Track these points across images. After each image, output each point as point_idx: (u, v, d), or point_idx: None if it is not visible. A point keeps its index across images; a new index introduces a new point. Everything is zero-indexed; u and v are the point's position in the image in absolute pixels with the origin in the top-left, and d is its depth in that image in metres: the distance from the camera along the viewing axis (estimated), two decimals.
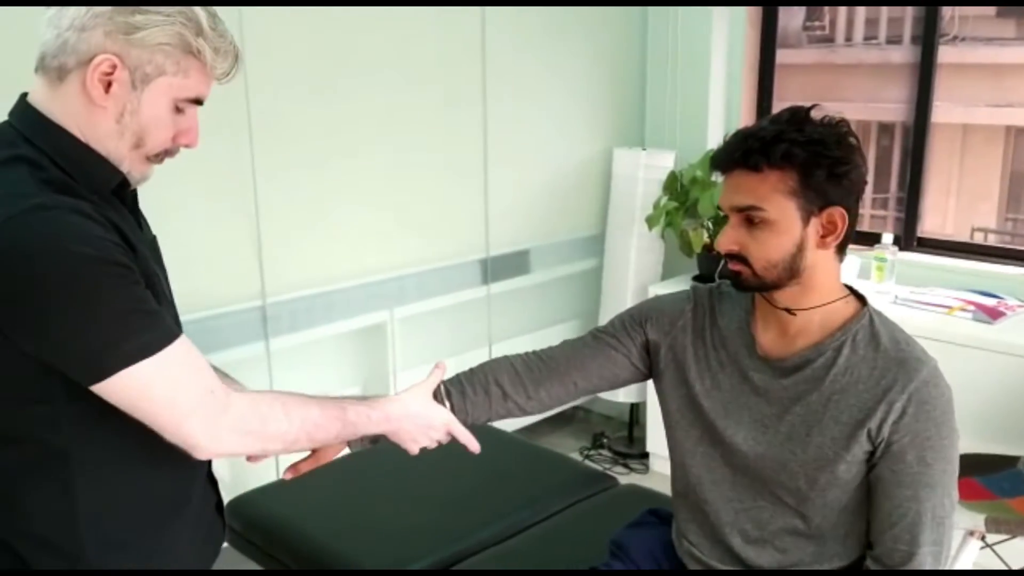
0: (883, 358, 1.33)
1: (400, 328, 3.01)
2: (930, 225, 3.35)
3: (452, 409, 1.50)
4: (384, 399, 1.39)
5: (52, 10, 1.14)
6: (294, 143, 2.66)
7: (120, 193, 1.21)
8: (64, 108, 1.15)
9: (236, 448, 1.19)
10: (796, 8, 3.81)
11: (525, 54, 3.27)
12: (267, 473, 2.41)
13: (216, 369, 1.50)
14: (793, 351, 1.38)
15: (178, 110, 1.19)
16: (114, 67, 1.12)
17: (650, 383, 1.59)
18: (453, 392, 1.52)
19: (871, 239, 3.10)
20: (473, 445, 1.48)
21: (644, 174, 3.45)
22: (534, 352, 1.58)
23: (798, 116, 1.32)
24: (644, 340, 1.53)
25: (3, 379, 1.13)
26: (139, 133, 1.17)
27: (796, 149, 1.27)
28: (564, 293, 3.65)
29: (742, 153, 1.30)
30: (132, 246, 1.14)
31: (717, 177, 1.44)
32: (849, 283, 1.43)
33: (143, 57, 1.13)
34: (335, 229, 2.82)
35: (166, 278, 1.33)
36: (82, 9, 1.12)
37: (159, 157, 1.23)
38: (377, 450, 2.50)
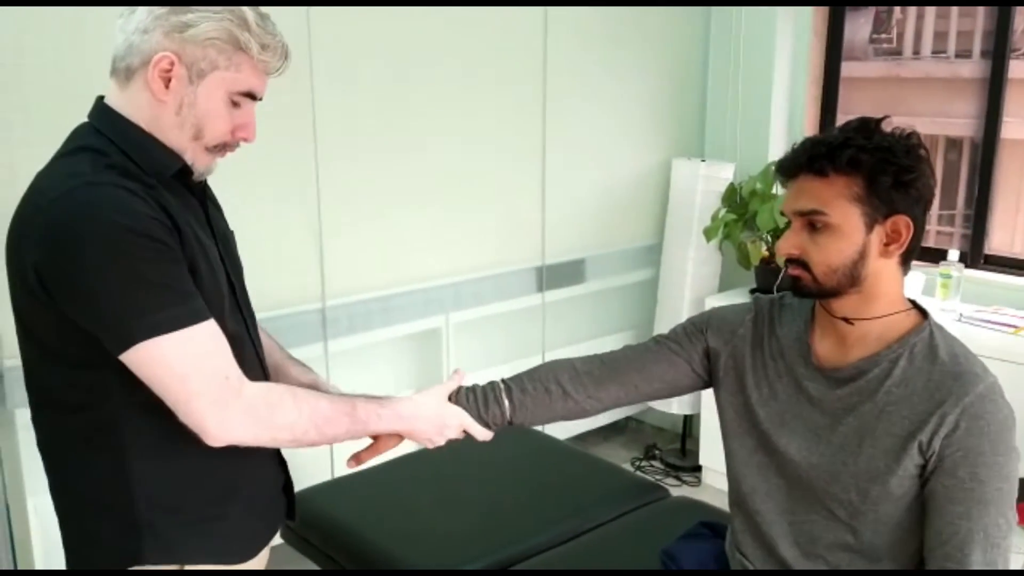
0: (939, 371, 1.31)
1: (455, 333, 3.03)
2: (998, 243, 3.26)
3: (511, 406, 1.51)
4: (397, 399, 1.41)
5: (122, 17, 1.23)
6: (357, 150, 2.72)
7: (184, 180, 1.28)
8: (132, 104, 1.24)
9: (245, 435, 1.21)
10: (863, 20, 3.75)
11: (586, 63, 3.28)
12: (322, 472, 2.45)
13: (292, 358, 1.56)
14: (849, 361, 1.37)
15: (234, 104, 1.26)
16: (172, 64, 1.20)
17: (707, 393, 1.58)
18: (513, 388, 1.53)
19: (937, 255, 3.04)
20: (485, 436, 1.50)
21: (703, 185, 3.43)
22: (595, 355, 1.58)
23: (867, 125, 1.31)
24: (705, 347, 1.53)
25: (55, 345, 1.21)
26: (198, 125, 1.24)
27: (863, 155, 1.27)
28: (619, 303, 3.64)
29: (808, 157, 1.30)
30: (179, 228, 1.20)
31: (778, 189, 1.43)
32: (912, 297, 1.41)
33: (197, 53, 1.21)
34: (394, 235, 2.86)
35: (234, 271, 1.38)
36: (144, 12, 1.20)
37: (219, 149, 1.29)
38: (429, 453, 2.53)
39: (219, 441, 1.18)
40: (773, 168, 1.42)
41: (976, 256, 3.21)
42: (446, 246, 3.01)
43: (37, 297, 1.17)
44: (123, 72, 1.23)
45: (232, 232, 1.47)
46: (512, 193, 3.18)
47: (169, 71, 1.21)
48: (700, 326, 1.55)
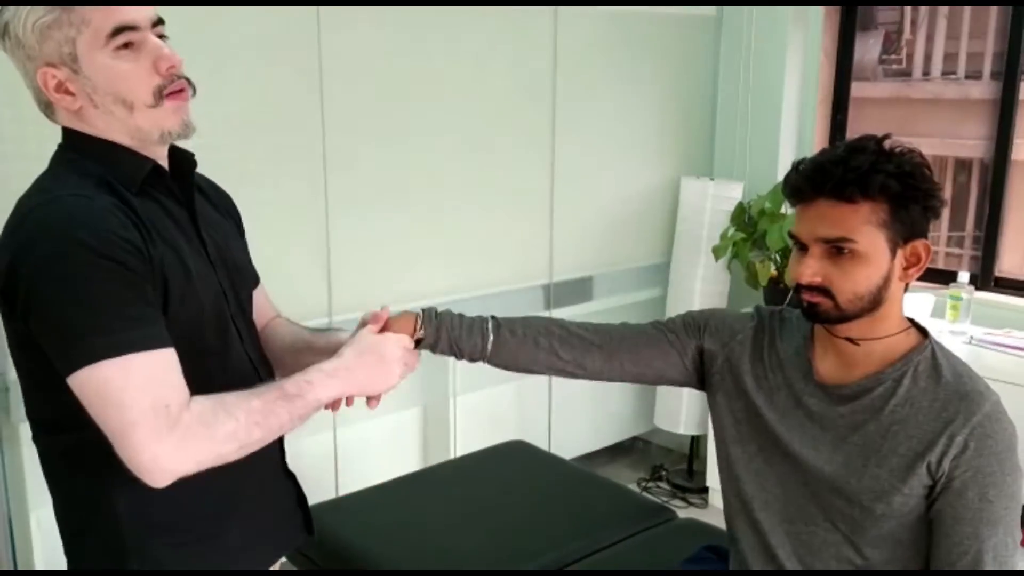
0: (944, 391, 1.30)
1: None
2: (1008, 265, 3.24)
3: (495, 341, 1.47)
4: (318, 364, 1.29)
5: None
6: (365, 166, 2.72)
7: (162, 184, 1.23)
8: (74, 123, 1.20)
9: (184, 465, 1.11)
10: (872, 41, 3.75)
11: (595, 81, 3.28)
12: (326, 491, 2.44)
13: (316, 331, 1.49)
14: (852, 379, 1.36)
15: (125, 48, 1.16)
16: (54, 75, 1.15)
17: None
18: (502, 327, 1.50)
19: (946, 277, 3.02)
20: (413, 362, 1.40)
21: (712, 204, 3.43)
22: (592, 323, 1.56)
23: (880, 145, 1.29)
24: (699, 345, 1.52)
25: (30, 365, 1.18)
26: (116, 96, 1.16)
27: (891, 181, 1.25)
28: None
29: (835, 183, 1.26)
30: (151, 246, 1.14)
31: (787, 208, 1.41)
32: (911, 316, 1.40)
33: (49, 45, 1.14)
34: (401, 251, 2.86)
35: (232, 282, 1.32)
36: (11, 58, 1.17)
37: (163, 98, 1.18)
38: (434, 473, 2.51)
39: (157, 479, 1.09)
40: (782, 189, 1.39)
41: (986, 278, 3.19)
42: (454, 263, 3.00)
43: (5, 316, 1.15)
44: (47, 109, 1.21)
45: (242, 242, 1.43)
46: (520, 210, 3.18)
47: (59, 81, 1.15)
48: (699, 323, 1.53)
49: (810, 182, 1.30)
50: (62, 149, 1.23)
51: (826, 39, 3.46)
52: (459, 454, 2.83)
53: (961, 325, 2.92)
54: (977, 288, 3.06)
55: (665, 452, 3.83)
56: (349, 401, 1.35)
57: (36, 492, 2.16)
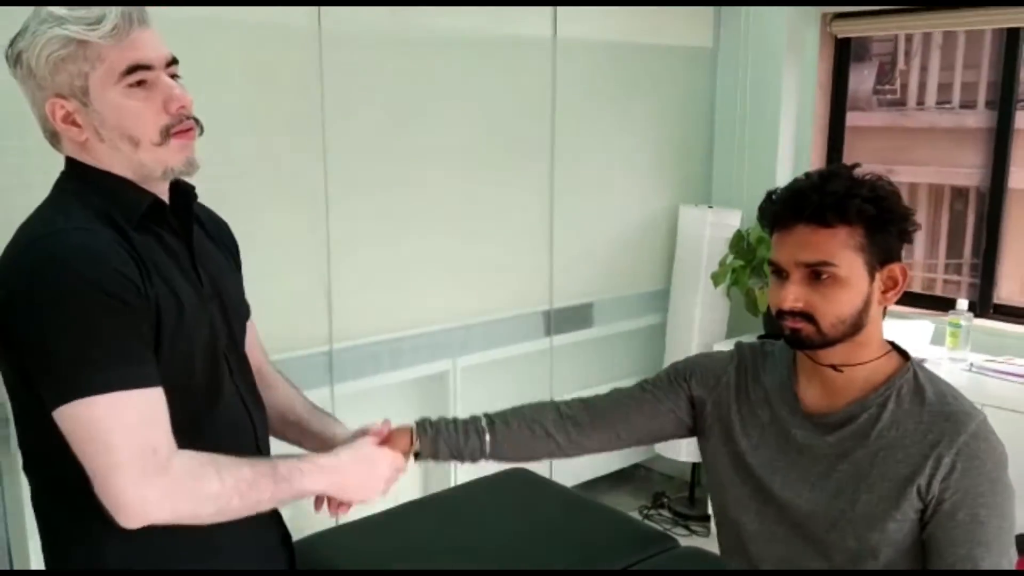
0: (929, 412, 1.31)
1: (463, 378, 3.02)
2: (1007, 292, 3.25)
3: (492, 440, 1.49)
4: (316, 455, 1.32)
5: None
6: (366, 193, 2.73)
7: (161, 218, 1.23)
8: (78, 154, 1.21)
9: (162, 514, 1.10)
10: (866, 72, 3.80)
11: (594, 109, 3.31)
12: (323, 519, 2.42)
13: (317, 409, 1.53)
14: (837, 407, 1.36)
15: (137, 85, 1.16)
16: (63, 106, 1.16)
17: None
18: (496, 423, 1.51)
19: (945, 304, 3.03)
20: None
21: (710, 232, 3.44)
22: (580, 399, 1.57)
23: (850, 173, 1.32)
24: (689, 395, 1.52)
25: (23, 397, 1.17)
26: (123, 133, 1.17)
27: (867, 205, 1.27)
28: (627, 348, 3.63)
29: (814, 209, 1.28)
30: (148, 283, 1.14)
31: (763, 229, 1.41)
32: (892, 340, 1.41)
33: (60, 79, 1.14)
34: (402, 278, 2.86)
35: (227, 317, 1.32)
36: (18, 85, 1.18)
37: (170, 136, 1.19)
38: (433, 501, 2.50)
39: (132, 521, 1.08)
40: (758, 218, 1.40)
41: (985, 305, 3.20)
42: (454, 289, 3.01)
43: (3, 347, 1.14)
44: (53, 138, 1.21)
45: (233, 273, 1.42)
46: (520, 237, 3.19)
47: (67, 113, 1.16)
48: (684, 373, 1.54)
49: (789, 208, 1.31)
50: (65, 178, 1.23)
51: (821, 69, 3.50)
52: (459, 482, 2.81)
53: (961, 352, 2.92)
54: (976, 315, 3.07)
55: (667, 479, 3.82)
56: (332, 505, 1.37)
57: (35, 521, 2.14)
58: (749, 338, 3.33)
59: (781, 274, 1.33)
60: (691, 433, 1.56)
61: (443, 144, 2.89)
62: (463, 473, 2.94)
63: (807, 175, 1.34)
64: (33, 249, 1.12)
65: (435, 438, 1.48)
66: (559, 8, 3.09)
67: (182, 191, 1.29)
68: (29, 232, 1.16)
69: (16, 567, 2.23)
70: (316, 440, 1.48)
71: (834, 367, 1.35)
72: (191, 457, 1.13)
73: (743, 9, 3.50)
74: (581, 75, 3.23)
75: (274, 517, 1.43)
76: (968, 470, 1.26)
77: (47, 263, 1.09)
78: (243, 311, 1.43)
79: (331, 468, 1.30)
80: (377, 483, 1.37)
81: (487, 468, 2.70)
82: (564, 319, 3.33)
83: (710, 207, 3.53)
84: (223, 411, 1.27)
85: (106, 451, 1.07)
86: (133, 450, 1.07)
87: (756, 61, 3.51)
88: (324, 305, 2.69)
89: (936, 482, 1.27)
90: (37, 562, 2.20)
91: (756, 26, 3.48)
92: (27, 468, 1.25)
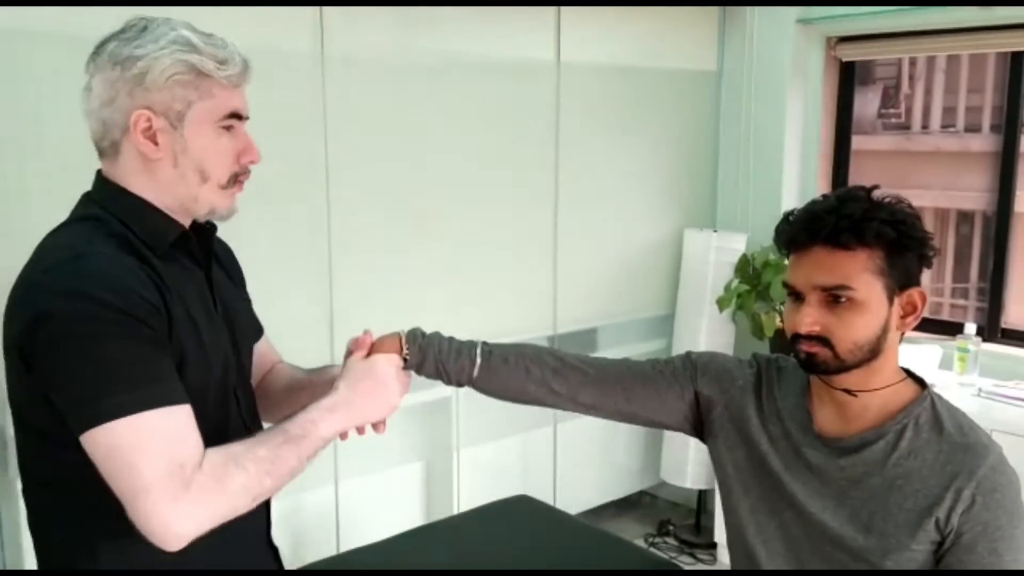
0: (948, 443, 1.29)
1: (465, 403, 3.00)
2: (1014, 316, 3.23)
3: (483, 366, 1.45)
4: (319, 400, 1.28)
5: (83, 103, 1.21)
6: (369, 216, 2.73)
7: (188, 249, 1.25)
8: (127, 174, 1.20)
9: (201, 522, 1.09)
10: (871, 95, 3.80)
11: (598, 134, 3.31)
12: (327, 546, 2.40)
13: (307, 371, 1.50)
14: (852, 432, 1.34)
15: (226, 130, 1.21)
16: (149, 120, 1.17)
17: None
18: (494, 353, 1.48)
19: (952, 329, 3.01)
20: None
21: (715, 256, 3.43)
22: (587, 356, 1.54)
23: (869, 195, 1.30)
24: (696, 391, 1.48)
25: (38, 421, 1.16)
26: (199, 167, 1.20)
27: (886, 228, 1.25)
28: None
29: (831, 230, 1.26)
30: (169, 309, 1.14)
31: (780, 253, 1.39)
32: (907, 367, 1.38)
33: (166, 98, 1.16)
34: (405, 302, 2.85)
35: (237, 346, 1.32)
36: (99, 83, 1.17)
37: (232, 183, 1.24)
38: (436, 529, 2.47)
39: (169, 543, 1.07)
40: (775, 239, 1.38)
41: (993, 329, 3.17)
42: (458, 314, 2.99)
43: (19, 370, 1.13)
44: (109, 149, 1.20)
45: (245, 301, 1.43)
46: (524, 262, 3.18)
47: (150, 127, 1.17)
48: (698, 366, 1.49)
49: (805, 230, 1.29)
50: (92, 198, 1.23)
51: (825, 93, 3.50)
52: (462, 509, 2.78)
53: (969, 377, 2.89)
54: (984, 339, 3.04)
55: (672, 506, 3.78)
56: (360, 430, 1.34)
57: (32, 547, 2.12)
58: None
59: (798, 297, 1.30)
60: (684, 429, 1.51)
61: (446, 168, 2.89)
62: (465, 501, 2.92)
63: (824, 196, 1.32)
64: (56, 273, 1.12)
65: (425, 347, 1.45)
66: (563, 32, 3.10)
67: (205, 222, 1.30)
68: (51, 255, 1.16)
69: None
70: (326, 391, 1.42)
71: (848, 391, 1.32)
72: (209, 461, 1.12)
73: (747, 32, 3.51)
74: (585, 99, 3.23)
75: (272, 549, 1.41)
76: (988, 504, 1.24)
77: (70, 287, 1.09)
78: (251, 336, 1.43)
79: (338, 404, 1.27)
80: (388, 388, 1.35)
81: (488, 492, 2.68)
82: (568, 344, 3.30)
83: (715, 231, 3.52)
84: (223, 441, 1.24)
85: (131, 475, 1.06)
86: (159, 473, 1.06)
87: (760, 84, 3.51)
88: (326, 329, 2.67)
89: (956, 515, 1.24)
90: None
91: (760, 49, 3.49)
92: (29, 490, 1.24)
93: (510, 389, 1.49)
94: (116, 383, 1.07)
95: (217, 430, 1.23)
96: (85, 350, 1.07)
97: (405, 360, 1.43)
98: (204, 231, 1.31)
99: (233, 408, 1.30)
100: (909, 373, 1.38)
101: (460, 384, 1.48)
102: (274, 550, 1.43)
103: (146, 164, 1.19)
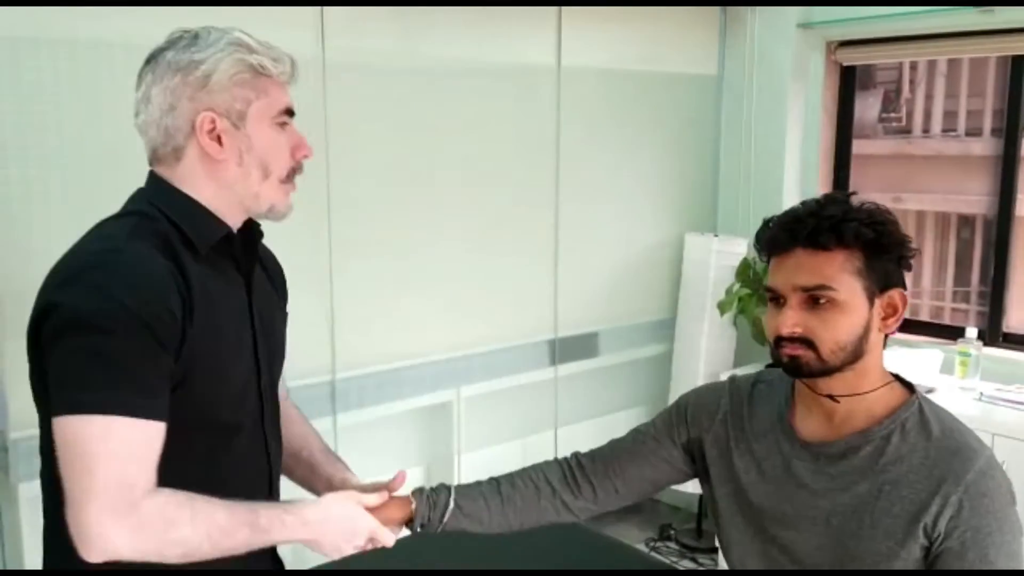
0: (935, 447, 1.28)
1: (466, 407, 3.00)
2: (1016, 320, 3.23)
3: (502, 503, 1.49)
4: (304, 504, 1.27)
5: (138, 115, 1.23)
6: (369, 223, 2.73)
7: (228, 251, 1.26)
8: (186, 177, 1.23)
9: (124, 551, 1.08)
10: (872, 99, 3.80)
11: (598, 139, 3.31)
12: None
13: (329, 453, 1.50)
14: (836, 437, 1.33)
15: (280, 127, 1.26)
16: (213, 121, 1.20)
17: None
18: (502, 482, 1.51)
19: (953, 333, 3.00)
20: (390, 542, 1.38)
21: (716, 260, 3.43)
22: (577, 454, 1.55)
23: (847, 200, 1.31)
24: (686, 440, 1.49)
25: (46, 399, 1.16)
26: (262, 164, 1.24)
27: (865, 229, 1.26)
28: (633, 377, 3.60)
29: (810, 231, 1.27)
30: (190, 319, 1.15)
31: (761, 258, 1.40)
32: (895, 371, 1.38)
33: (227, 98, 1.20)
34: (406, 307, 2.85)
35: (268, 358, 1.33)
36: (158, 92, 1.19)
37: (289, 179, 1.28)
38: (437, 534, 2.46)
39: (92, 554, 1.07)
40: (755, 244, 1.39)
41: (994, 334, 3.17)
42: (458, 319, 3.00)
43: (33, 348, 1.15)
44: (171, 155, 1.22)
45: (283, 314, 1.43)
46: (525, 265, 3.18)
47: (214, 129, 1.20)
48: (681, 415, 1.51)
49: (786, 232, 1.30)
50: (141, 196, 1.24)
51: (826, 97, 3.50)
52: None
53: (971, 381, 2.89)
54: (985, 344, 3.04)
55: (673, 511, 3.77)
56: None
57: (33, 551, 2.12)
58: (756, 367, 3.30)
59: (779, 300, 1.30)
60: (690, 478, 1.53)
61: (447, 173, 2.89)
62: None
63: (803, 203, 1.34)
64: (83, 262, 1.14)
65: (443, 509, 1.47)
66: (563, 36, 3.10)
67: (252, 227, 1.33)
68: (89, 245, 1.17)
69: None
70: (324, 484, 1.45)
71: (832, 397, 1.32)
72: (167, 499, 1.11)
73: (748, 36, 3.51)
74: (586, 103, 3.23)
75: (274, 556, 1.41)
76: (976, 508, 1.23)
77: (92, 279, 1.11)
78: (282, 351, 1.43)
79: (315, 522, 1.25)
80: (347, 543, 1.31)
81: None
82: (569, 348, 3.30)
83: (716, 235, 3.52)
84: (242, 457, 1.26)
85: (85, 476, 1.07)
86: (110, 480, 1.07)
87: (761, 89, 3.51)
88: (327, 334, 2.67)
89: (943, 520, 1.23)
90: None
91: (761, 54, 3.49)
92: (42, 470, 1.24)
93: (530, 515, 1.53)
94: (102, 380, 1.08)
95: (227, 437, 1.24)
96: (85, 343, 1.08)
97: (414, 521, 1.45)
98: (250, 237, 1.32)
99: (254, 414, 1.30)
100: (897, 377, 1.37)
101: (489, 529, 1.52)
102: (271, 549, 1.42)
103: (210, 166, 1.22)
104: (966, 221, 4.08)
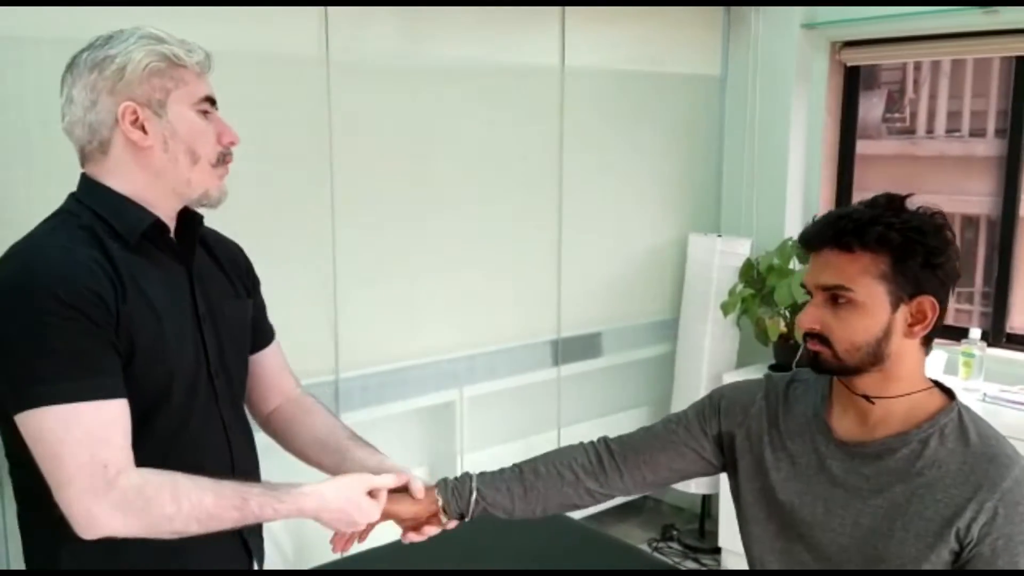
0: (972, 454, 1.28)
1: (469, 407, 3.00)
2: (1019, 321, 3.22)
3: (524, 491, 1.50)
4: (300, 492, 1.27)
5: (64, 118, 1.26)
6: (373, 221, 2.73)
7: (161, 240, 1.28)
8: (112, 170, 1.26)
9: (118, 528, 1.13)
10: (875, 100, 3.79)
11: (602, 138, 3.31)
12: (327, 554, 2.38)
13: (356, 438, 1.51)
14: (874, 438, 1.34)
15: (203, 114, 1.28)
16: (136, 111, 1.23)
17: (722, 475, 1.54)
18: (525, 470, 1.52)
19: (957, 334, 3.00)
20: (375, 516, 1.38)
21: (719, 260, 3.43)
22: (606, 439, 1.56)
23: (894, 202, 1.30)
24: (718, 432, 1.50)
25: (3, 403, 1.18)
26: (189, 149, 1.27)
27: (892, 233, 1.26)
28: (636, 378, 3.60)
29: (834, 232, 1.28)
30: (123, 302, 1.17)
31: (795, 264, 1.41)
32: (935, 378, 1.38)
33: (146, 88, 1.23)
34: (409, 307, 2.85)
35: (218, 347, 1.33)
36: (79, 90, 1.23)
37: (220, 163, 1.31)
38: (440, 534, 2.46)
39: (85, 532, 1.12)
40: (795, 240, 1.40)
41: (998, 335, 3.16)
42: (461, 318, 3.00)
43: None
44: (97, 151, 1.25)
45: (240, 301, 1.43)
46: (528, 266, 3.18)
47: (137, 118, 1.23)
48: (713, 408, 1.52)
49: (816, 232, 1.33)
50: (67, 200, 1.28)
51: (830, 98, 3.49)
52: None
53: (975, 382, 2.89)
54: (989, 344, 3.03)
55: (676, 511, 3.77)
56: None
57: (17, 545, 2.12)
58: (759, 367, 3.30)
59: (810, 296, 1.34)
60: (718, 471, 1.54)
61: (451, 173, 2.89)
62: None
63: (860, 203, 1.34)
64: (7, 260, 1.18)
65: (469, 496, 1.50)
66: (567, 37, 3.10)
67: (189, 216, 1.34)
68: (12, 248, 1.21)
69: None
70: (358, 469, 1.44)
71: (867, 398, 1.33)
72: (146, 477, 1.15)
73: (752, 37, 3.50)
74: (589, 104, 3.23)
75: (247, 550, 1.43)
76: (1011, 516, 1.23)
77: (18, 276, 1.15)
78: (244, 335, 1.44)
79: (311, 510, 1.28)
80: (348, 527, 1.35)
81: None
82: (572, 348, 3.30)
83: (719, 236, 3.52)
84: (200, 435, 1.29)
85: (57, 463, 1.11)
86: (81, 464, 1.11)
87: (765, 89, 3.51)
88: (330, 334, 2.67)
89: (976, 526, 1.24)
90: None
91: (765, 54, 3.49)
92: (10, 472, 1.28)
93: (552, 500, 1.53)
94: (47, 372, 1.11)
95: (183, 418, 1.26)
96: (26, 336, 1.11)
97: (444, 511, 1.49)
98: (189, 225, 1.34)
99: (207, 397, 1.31)
100: (938, 384, 1.37)
101: (511, 515, 1.53)
102: (247, 547, 1.43)
103: (137, 155, 1.24)
104: (970, 222, 4.07)
